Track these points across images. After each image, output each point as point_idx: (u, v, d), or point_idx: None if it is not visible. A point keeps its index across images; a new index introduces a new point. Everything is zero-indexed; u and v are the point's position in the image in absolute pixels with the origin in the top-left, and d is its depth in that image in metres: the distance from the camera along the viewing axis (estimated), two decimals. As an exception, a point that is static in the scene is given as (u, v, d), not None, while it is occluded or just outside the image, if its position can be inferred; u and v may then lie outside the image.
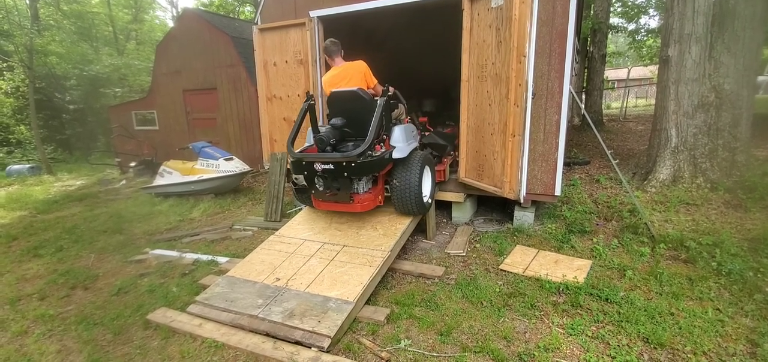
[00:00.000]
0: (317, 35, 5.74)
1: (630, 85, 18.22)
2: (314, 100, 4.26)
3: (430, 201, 4.52)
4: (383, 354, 2.75)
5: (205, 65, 9.70)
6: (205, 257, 4.67)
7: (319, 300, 3.26)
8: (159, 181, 8.01)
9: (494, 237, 4.65)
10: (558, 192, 4.69)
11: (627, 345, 2.70)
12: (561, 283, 3.48)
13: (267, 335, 2.99)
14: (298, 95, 6.01)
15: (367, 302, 3.38)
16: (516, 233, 4.74)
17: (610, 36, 14.52)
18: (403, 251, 4.39)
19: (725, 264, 3.56)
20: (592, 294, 3.31)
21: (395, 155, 4.03)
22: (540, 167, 4.71)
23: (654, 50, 14.83)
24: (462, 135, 5.02)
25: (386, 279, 3.79)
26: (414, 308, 3.29)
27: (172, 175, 7.81)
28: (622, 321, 2.93)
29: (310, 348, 2.80)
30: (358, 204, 4.00)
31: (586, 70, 12.71)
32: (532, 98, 4.42)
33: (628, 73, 19.38)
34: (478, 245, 4.55)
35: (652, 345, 2.68)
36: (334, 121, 4.10)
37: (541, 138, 4.64)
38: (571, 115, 11.95)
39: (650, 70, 21.92)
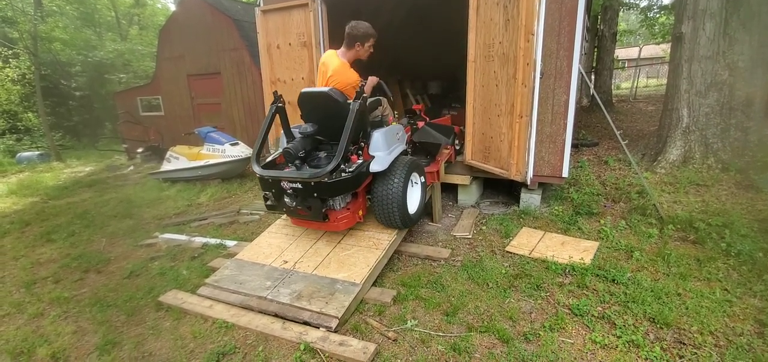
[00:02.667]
0: (321, 16, 5.67)
1: (641, 65, 17.88)
2: (283, 101, 3.71)
3: (419, 212, 4.00)
4: (390, 334, 2.78)
5: (208, 49, 9.65)
6: (213, 241, 4.73)
7: (327, 282, 3.29)
8: (166, 166, 8.07)
9: (500, 220, 4.64)
10: (565, 174, 4.65)
11: (633, 325, 2.71)
12: (567, 264, 3.48)
13: (276, 316, 3.04)
14: (303, 78, 5.98)
15: (374, 284, 3.41)
16: (522, 215, 4.73)
17: (621, 13, 14.19)
18: (410, 234, 4.40)
19: (734, 245, 3.54)
20: (598, 275, 3.31)
21: (374, 168, 3.44)
22: (547, 149, 4.66)
23: (667, 28, 14.45)
24: (468, 117, 4.97)
25: (392, 261, 3.82)
26: (420, 289, 3.32)
27: (178, 160, 7.86)
28: (628, 302, 2.93)
29: (319, 328, 2.84)
30: (334, 223, 3.53)
31: (596, 49, 12.46)
32: (541, 78, 4.35)
33: (640, 51, 19.02)
34: (484, 227, 4.55)
35: (658, 325, 2.69)
36: (303, 127, 3.56)
37: (549, 119, 4.58)
38: (579, 96, 11.77)
39: (662, 49, 21.45)
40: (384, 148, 3.56)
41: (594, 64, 12.53)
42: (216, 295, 3.39)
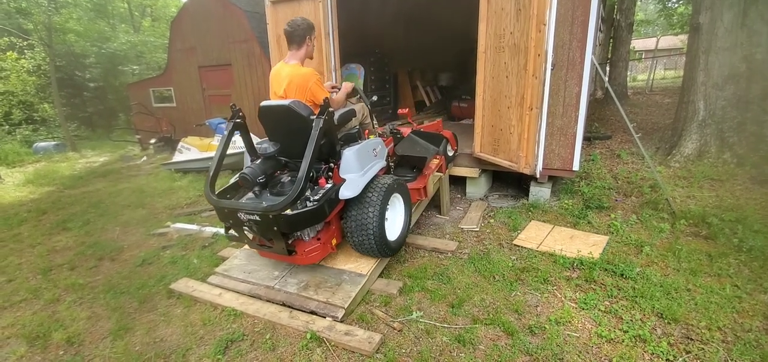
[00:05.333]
0: (330, 7, 5.65)
1: (658, 56, 17.49)
2: (242, 116, 3.25)
3: (402, 238, 3.51)
4: (395, 325, 2.81)
5: (219, 41, 9.70)
6: (223, 231, 4.79)
7: (334, 272, 3.32)
8: (178, 157, 8.18)
9: (508, 213, 4.62)
10: (576, 167, 4.60)
11: (640, 319, 2.68)
12: (575, 258, 3.46)
13: (283, 305, 3.08)
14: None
15: (381, 275, 3.43)
16: (531, 208, 4.70)
17: (638, 3, 13.87)
18: (417, 226, 4.41)
19: (747, 240, 3.48)
20: (607, 270, 3.28)
21: (343, 194, 2.93)
22: (558, 141, 4.61)
23: (685, 18, 14.12)
24: (477, 109, 4.93)
25: (399, 253, 3.83)
26: (426, 281, 3.33)
27: (190, 151, 7.95)
28: (636, 297, 2.90)
29: (325, 317, 2.87)
30: (302, 257, 3.08)
31: (611, 40, 12.20)
32: (552, 69, 4.28)
33: (657, 42, 18.61)
34: (492, 220, 4.53)
35: (666, 320, 2.66)
36: (263, 147, 3.11)
37: (560, 111, 4.52)
38: (593, 88, 11.57)
39: (680, 40, 20.93)
40: (357, 169, 3.07)
41: (609, 55, 12.29)
42: (225, 284, 3.44)
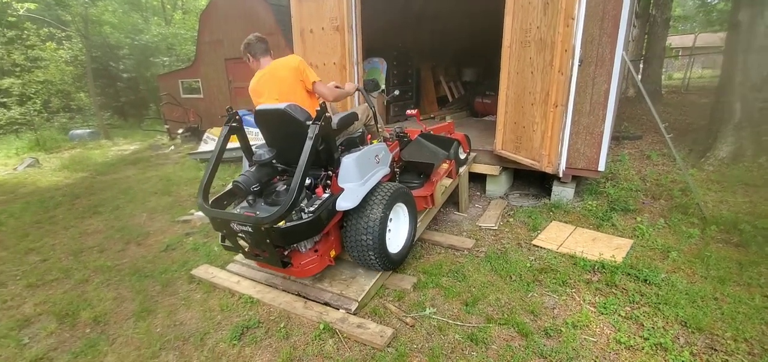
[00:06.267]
0: (354, 1, 5.65)
1: (696, 54, 16.70)
2: (238, 120, 3.10)
3: (405, 250, 3.32)
4: (408, 320, 2.80)
5: (245, 33, 9.64)
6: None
7: (348, 265, 3.34)
8: (203, 147, 8.40)
9: (529, 212, 4.52)
10: (602, 167, 4.46)
11: (662, 327, 2.58)
12: (597, 261, 3.35)
13: (298, 295, 3.12)
14: (334, 63, 6.00)
15: (395, 270, 3.42)
16: (553, 209, 4.59)
17: (675, -2, 13.28)
18: (434, 222, 4.38)
19: (781, 249, 3.29)
20: (629, 274, 3.17)
21: (341, 205, 2.72)
22: (583, 140, 4.48)
23: (725, 15, 13.40)
24: (500, 105, 4.84)
25: (415, 248, 3.82)
26: (441, 278, 3.30)
27: (215, 141, 8.14)
28: (659, 304, 2.79)
29: (338, 309, 2.90)
30: (298, 269, 2.91)
31: (646, 36, 11.71)
32: (579, 65, 4.14)
33: (695, 39, 17.72)
34: (511, 219, 4.45)
35: (689, 329, 2.55)
36: (259, 153, 3.01)
37: (587, 109, 4.38)
38: (625, 86, 11.15)
39: (720, 38, 19.87)
40: (356, 178, 2.87)
41: (643, 52, 11.81)
42: (243, 272, 3.52)
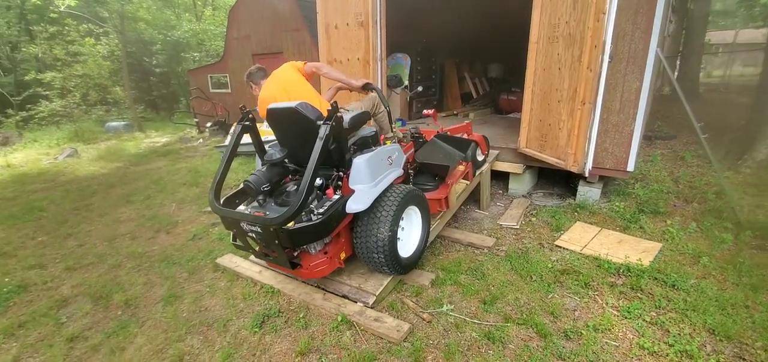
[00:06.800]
0: (379, -5, 5.65)
1: (736, 51, 15.85)
2: (253, 118, 3.09)
3: (417, 254, 3.22)
4: (425, 316, 2.81)
5: (272, 29, 10.05)
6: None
7: (368, 259, 3.37)
8: (229, 140, 8.61)
9: (552, 212, 4.43)
10: (631, 167, 4.32)
11: (689, 334, 2.49)
12: (622, 264, 3.26)
13: (318, 287, 3.18)
14: (358, 59, 6.04)
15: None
16: (578, 209, 4.48)
17: (715, -8, 12.63)
18: (454, 219, 4.35)
19: (822, 258, 3.10)
20: (656, 279, 3.07)
21: (351, 207, 2.67)
22: (612, 139, 4.35)
23: (769, 9, 12.67)
24: (526, 102, 4.76)
25: (434, 245, 3.81)
26: (460, 275, 3.29)
27: (241, 135, 8.34)
28: (687, 310, 2.69)
29: (356, 302, 2.94)
30: (308, 271, 2.86)
31: (684, 32, 11.20)
32: (609, 62, 4.02)
33: (736, 35, 16.83)
34: (534, 219, 4.38)
35: (717, 337, 2.45)
36: (270, 153, 2.99)
37: (617, 107, 4.25)
38: (660, 83, 10.71)
39: (762, 34, 18.81)
40: (367, 179, 2.79)
41: (680, 48, 11.30)
42: (265, 263, 3.61)
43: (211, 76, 12.30)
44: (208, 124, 11.55)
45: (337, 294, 3.06)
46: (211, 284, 3.48)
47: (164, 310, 3.15)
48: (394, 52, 7.48)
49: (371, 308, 2.88)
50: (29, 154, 10.42)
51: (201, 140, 11.20)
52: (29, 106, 15.11)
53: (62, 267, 3.96)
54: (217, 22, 21.39)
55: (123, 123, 14.59)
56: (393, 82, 7.12)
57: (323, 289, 3.14)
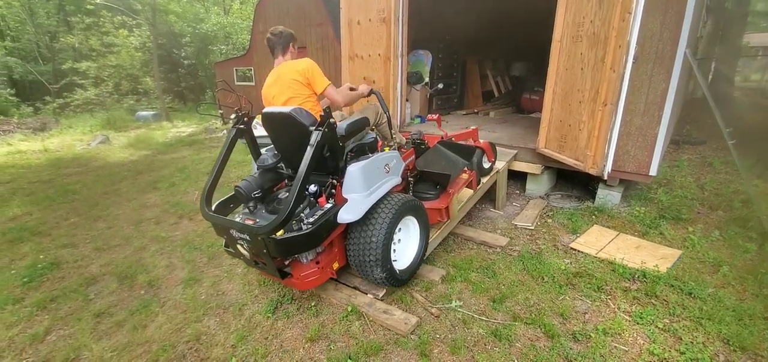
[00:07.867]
0: (402, -8, 5.67)
1: (775, 54, 15.07)
2: (247, 121, 3.00)
3: (414, 266, 3.09)
4: (433, 310, 2.84)
5: (297, 24, 10.19)
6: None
7: (380, 253, 3.41)
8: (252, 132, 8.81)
9: (569, 214, 4.38)
10: (653, 172, 4.21)
11: (702, 343, 2.44)
12: (638, 270, 3.20)
13: (330, 277, 3.25)
14: (379, 55, 6.08)
15: (425, 261, 3.46)
16: (596, 212, 4.41)
17: (755, -9, 12.06)
18: (468, 217, 4.36)
19: None
20: (673, 286, 3.00)
21: (343, 217, 2.56)
22: (635, 142, 4.25)
23: (815, 10, 11.98)
24: (546, 102, 4.70)
25: (447, 242, 3.84)
26: (470, 273, 3.30)
27: (262, 127, 8.53)
28: (702, 319, 2.63)
29: (367, 294, 3.00)
30: (298, 281, 2.72)
31: (720, 33, 10.75)
32: (634, 62, 3.92)
33: (776, 38, 16.00)
34: (549, 220, 4.33)
35: (731, 347, 2.39)
36: (263, 157, 2.93)
37: (641, 109, 4.14)
38: (693, 86, 10.31)
39: (807, 36, 17.78)
40: (362, 188, 2.67)
41: (715, 50, 10.86)
42: (281, 251, 3.71)
43: (236, 69, 12.58)
44: (232, 116, 11.81)
45: (348, 285, 3.13)
46: (229, 269, 3.61)
47: (184, 292, 3.30)
48: (416, 48, 7.49)
49: (381, 300, 2.94)
50: (65, 140, 10.95)
51: (225, 131, 11.50)
52: (66, 93, 15.86)
53: (92, 247, 4.18)
54: (245, 16, 21.82)
55: (152, 112, 15.11)
56: (413, 78, 7.13)
57: (335, 280, 3.21)
